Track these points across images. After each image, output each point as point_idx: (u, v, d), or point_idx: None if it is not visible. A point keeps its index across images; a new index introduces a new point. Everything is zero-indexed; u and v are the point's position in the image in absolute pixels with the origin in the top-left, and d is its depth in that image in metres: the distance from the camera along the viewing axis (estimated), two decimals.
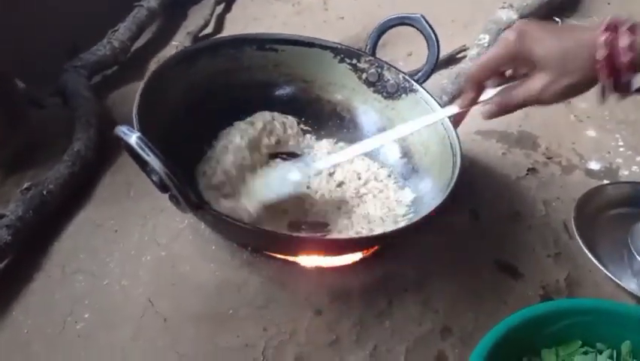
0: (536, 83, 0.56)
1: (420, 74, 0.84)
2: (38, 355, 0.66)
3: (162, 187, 0.59)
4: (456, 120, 0.79)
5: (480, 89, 0.62)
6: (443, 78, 1.08)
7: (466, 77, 0.62)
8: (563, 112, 1.10)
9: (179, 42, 1.20)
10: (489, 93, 0.63)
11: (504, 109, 0.60)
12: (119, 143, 0.59)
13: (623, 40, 0.52)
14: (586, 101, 1.13)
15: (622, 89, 0.54)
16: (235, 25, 1.34)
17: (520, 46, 0.56)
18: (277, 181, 0.74)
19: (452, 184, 0.69)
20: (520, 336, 0.62)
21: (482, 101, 0.64)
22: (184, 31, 1.26)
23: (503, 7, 1.26)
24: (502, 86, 0.62)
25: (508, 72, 0.62)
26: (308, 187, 0.82)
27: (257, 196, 0.73)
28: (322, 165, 0.78)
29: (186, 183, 0.58)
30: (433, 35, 0.82)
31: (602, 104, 0.56)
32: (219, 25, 1.35)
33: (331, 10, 1.40)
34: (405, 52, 1.24)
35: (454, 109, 0.67)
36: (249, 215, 0.71)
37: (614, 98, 0.55)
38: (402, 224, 0.77)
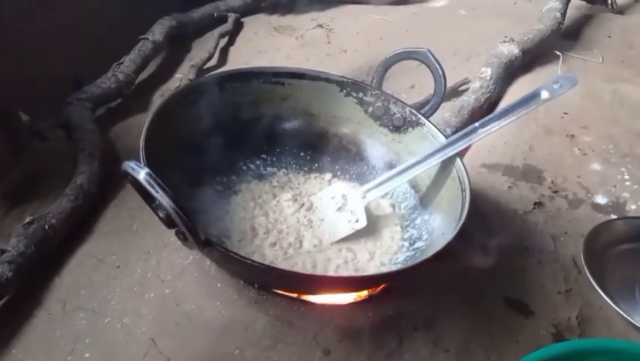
0: None
1: (427, 107, 0.84)
2: None
3: (169, 223, 0.58)
4: (460, 152, 0.79)
5: None
6: (446, 111, 1.08)
7: None
8: (566, 145, 1.10)
9: (183, 75, 1.20)
10: None
11: None
12: (126, 177, 0.58)
13: None
14: (590, 135, 1.14)
15: None
16: (239, 58, 1.35)
17: None
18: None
19: (462, 220, 0.68)
20: None
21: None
22: (188, 64, 1.26)
23: (504, 42, 1.27)
24: None
25: None
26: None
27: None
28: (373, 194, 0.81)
29: (194, 220, 0.57)
30: (440, 70, 0.82)
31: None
32: (223, 57, 1.36)
33: (334, 44, 1.42)
34: (407, 84, 1.24)
35: None
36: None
37: None
38: (409, 261, 0.75)
